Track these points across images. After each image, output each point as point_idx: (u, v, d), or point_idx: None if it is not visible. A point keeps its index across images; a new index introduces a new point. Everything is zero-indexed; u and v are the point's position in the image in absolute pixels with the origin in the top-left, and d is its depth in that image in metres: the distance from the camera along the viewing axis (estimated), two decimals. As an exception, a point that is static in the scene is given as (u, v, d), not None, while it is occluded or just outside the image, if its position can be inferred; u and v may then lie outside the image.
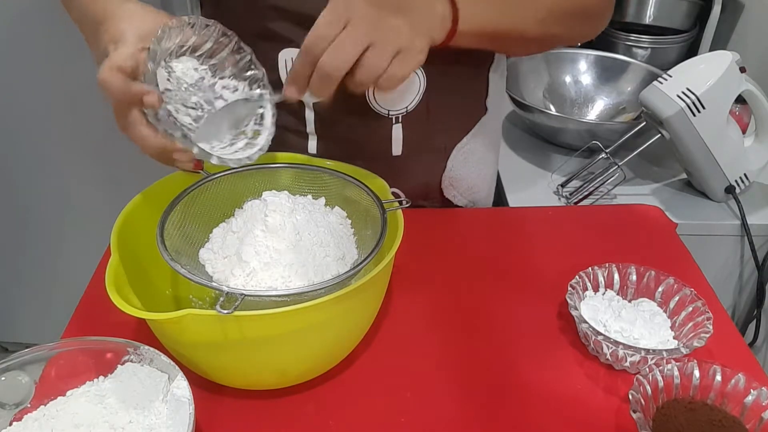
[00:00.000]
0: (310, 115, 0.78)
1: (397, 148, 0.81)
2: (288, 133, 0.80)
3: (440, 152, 0.86)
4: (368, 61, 0.58)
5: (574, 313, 0.65)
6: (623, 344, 0.63)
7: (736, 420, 0.58)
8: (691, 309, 0.67)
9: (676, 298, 0.68)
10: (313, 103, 0.77)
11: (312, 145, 0.81)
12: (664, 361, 0.60)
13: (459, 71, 0.80)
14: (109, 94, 0.57)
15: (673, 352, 0.62)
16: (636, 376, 0.58)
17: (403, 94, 0.78)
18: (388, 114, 0.78)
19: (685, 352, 0.62)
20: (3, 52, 1.44)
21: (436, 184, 0.88)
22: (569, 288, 0.68)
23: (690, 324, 0.66)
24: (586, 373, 0.65)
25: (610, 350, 0.64)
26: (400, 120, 0.79)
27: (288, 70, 0.75)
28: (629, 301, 0.71)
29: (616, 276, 0.71)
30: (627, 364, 0.64)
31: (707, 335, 0.63)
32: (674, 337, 0.67)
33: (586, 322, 0.65)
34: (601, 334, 0.63)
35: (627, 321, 0.67)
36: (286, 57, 0.75)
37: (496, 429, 0.60)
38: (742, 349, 0.68)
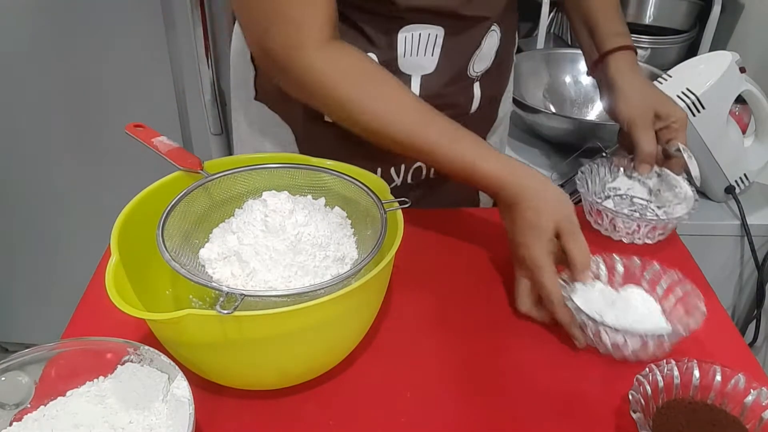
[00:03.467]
0: (415, 88, 0.80)
1: (475, 105, 0.86)
2: None
3: (495, 105, 0.93)
4: None
5: (569, 304, 0.65)
6: (622, 330, 0.62)
7: (736, 420, 0.58)
8: (681, 293, 0.67)
9: (664, 285, 0.69)
10: (421, 77, 0.80)
11: None
12: (665, 363, 0.60)
13: (509, 40, 0.88)
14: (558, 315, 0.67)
15: (673, 335, 0.62)
16: (636, 376, 0.58)
17: (486, 55, 0.83)
18: (475, 73, 0.84)
19: (684, 335, 0.62)
20: (3, 52, 1.44)
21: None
22: (560, 280, 0.68)
23: (681, 307, 0.66)
24: (587, 374, 0.65)
25: (610, 338, 0.63)
26: (479, 78, 0.85)
27: (407, 46, 0.77)
28: (617, 291, 0.71)
29: (603, 266, 0.71)
30: (629, 353, 0.64)
31: (702, 316, 0.63)
32: (667, 322, 0.67)
33: (582, 311, 0.65)
34: (599, 323, 0.63)
35: (620, 309, 0.67)
36: (405, 35, 0.76)
37: (495, 428, 0.60)
38: (742, 349, 0.68)
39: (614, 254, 0.71)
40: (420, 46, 0.77)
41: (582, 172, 0.83)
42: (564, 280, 0.68)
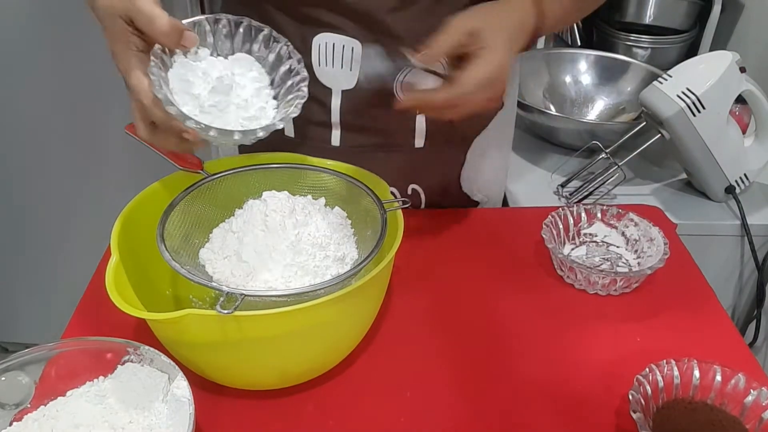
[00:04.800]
0: (336, 104, 0.78)
1: (419, 140, 0.82)
2: (312, 125, 0.81)
3: (460, 145, 0.86)
4: None
5: (159, 94, 0.53)
6: (209, 126, 0.54)
7: (736, 420, 0.58)
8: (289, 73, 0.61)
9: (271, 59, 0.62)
10: (341, 92, 0.77)
11: (335, 135, 0.81)
12: (666, 364, 0.60)
13: None
14: (142, 115, 0.56)
15: (268, 127, 0.56)
16: (636, 376, 0.58)
17: (429, 85, 0.77)
18: None
19: (279, 126, 0.57)
20: (4, 52, 1.44)
21: (456, 178, 0.88)
22: (154, 64, 0.55)
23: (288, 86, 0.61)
24: (587, 373, 0.65)
25: (206, 136, 0.55)
26: None
27: (321, 54, 0.75)
28: (227, 63, 0.60)
29: (208, 27, 0.60)
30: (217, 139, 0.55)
31: (304, 81, 0.59)
32: (276, 108, 0.60)
33: (172, 104, 0.53)
34: (186, 116, 0.54)
35: (223, 92, 0.57)
36: (320, 42, 0.75)
37: (495, 429, 0.60)
38: (742, 349, 0.68)
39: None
40: (336, 57, 0.75)
41: (552, 216, 0.79)
42: (161, 60, 0.55)
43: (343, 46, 0.74)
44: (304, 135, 0.82)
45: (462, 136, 0.85)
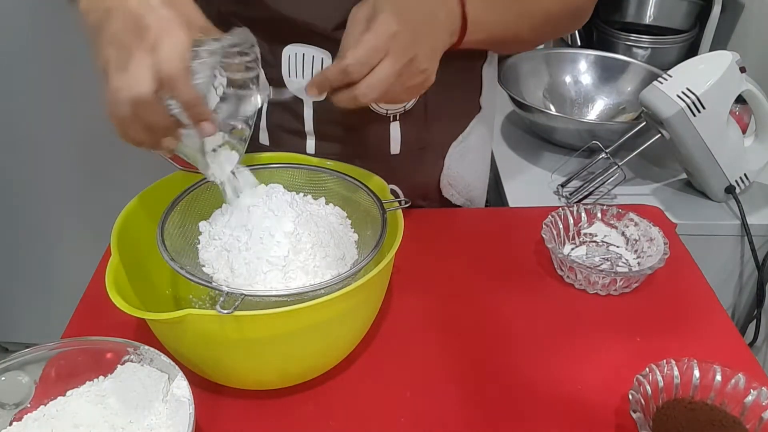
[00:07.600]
0: (308, 114, 0.78)
1: (395, 147, 0.81)
2: (285, 133, 0.80)
3: (438, 150, 0.86)
4: (391, 92, 0.61)
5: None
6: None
7: (736, 420, 0.58)
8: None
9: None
10: (313, 102, 0.77)
11: (310, 144, 0.81)
12: (666, 363, 0.60)
13: (455, 68, 0.80)
14: (175, 93, 0.51)
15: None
16: (636, 376, 0.58)
17: None
18: (386, 113, 0.78)
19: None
20: (4, 52, 1.44)
21: (435, 183, 0.88)
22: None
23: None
24: (587, 373, 0.65)
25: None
26: (398, 118, 0.79)
27: (291, 65, 0.75)
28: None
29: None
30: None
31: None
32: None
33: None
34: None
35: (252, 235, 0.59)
36: (290, 53, 0.75)
37: (495, 428, 0.60)
38: (742, 349, 0.68)
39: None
40: (306, 68, 0.75)
41: (552, 216, 0.79)
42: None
43: (313, 57, 0.74)
44: (278, 143, 0.82)
45: (438, 142, 0.85)
